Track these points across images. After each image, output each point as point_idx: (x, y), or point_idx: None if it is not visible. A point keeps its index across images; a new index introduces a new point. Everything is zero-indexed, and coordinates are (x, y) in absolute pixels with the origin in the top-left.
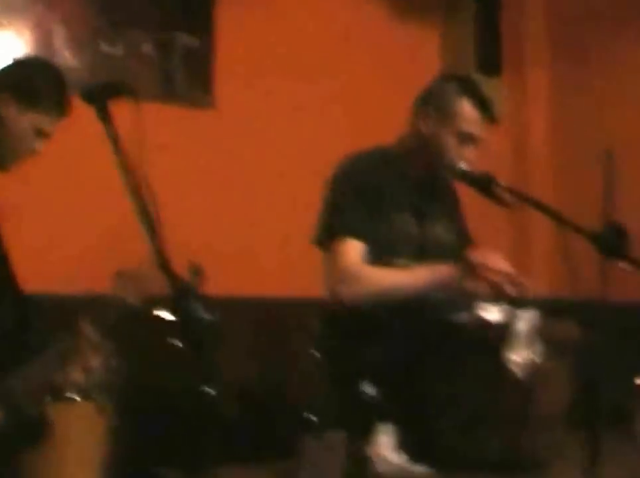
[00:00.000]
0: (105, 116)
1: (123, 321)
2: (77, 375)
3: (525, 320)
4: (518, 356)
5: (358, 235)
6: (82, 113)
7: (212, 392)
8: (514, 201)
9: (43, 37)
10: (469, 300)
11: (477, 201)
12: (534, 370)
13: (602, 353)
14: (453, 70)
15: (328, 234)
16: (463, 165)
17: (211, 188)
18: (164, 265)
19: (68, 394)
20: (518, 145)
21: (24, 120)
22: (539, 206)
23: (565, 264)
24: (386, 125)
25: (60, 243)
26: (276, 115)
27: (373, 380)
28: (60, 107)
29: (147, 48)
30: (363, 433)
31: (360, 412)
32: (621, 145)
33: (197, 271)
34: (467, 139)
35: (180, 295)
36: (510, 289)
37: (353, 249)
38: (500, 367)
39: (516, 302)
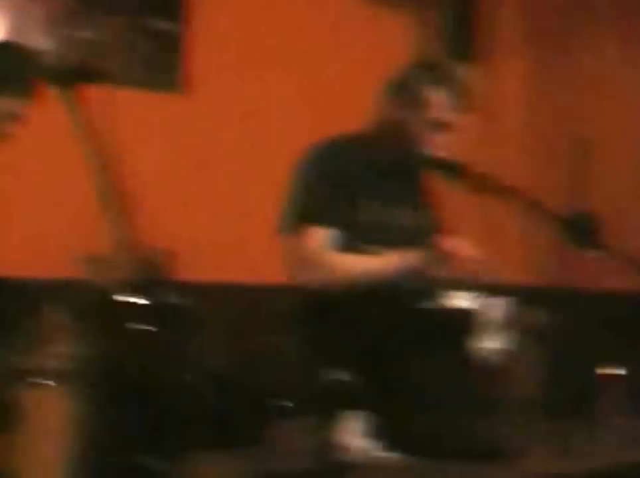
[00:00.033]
0: (70, 100)
1: (94, 306)
2: (46, 360)
3: (496, 308)
4: (490, 343)
5: (323, 222)
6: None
7: (187, 377)
8: (486, 188)
9: (16, 19)
10: (438, 287)
11: (447, 188)
12: (505, 357)
13: (572, 341)
14: (425, 56)
15: (293, 221)
16: (433, 152)
17: (188, 173)
18: (133, 249)
19: (38, 380)
20: (492, 132)
21: None
22: (511, 193)
23: (537, 252)
24: (361, 110)
25: (25, 225)
26: (253, 100)
27: (344, 366)
28: (28, 90)
29: (121, 32)
30: (335, 419)
31: (332, 398)
32: (595, 132)
33: (167, 256)
34: (438, 126)
35: (150, 280)
36: (479, 276)
37: (318, 236)
38: (471, 354)
39: (487, 289)
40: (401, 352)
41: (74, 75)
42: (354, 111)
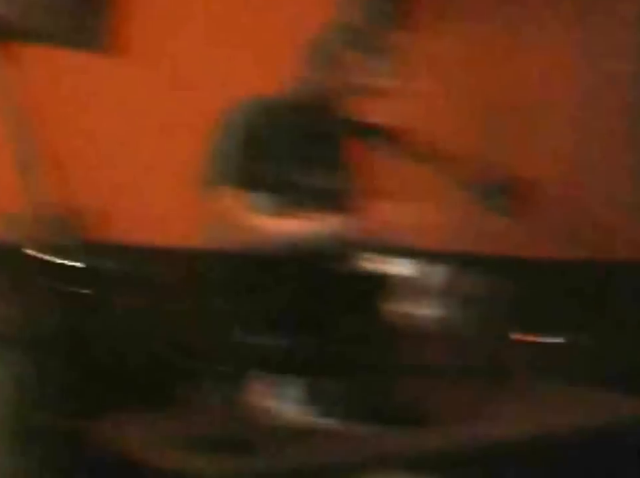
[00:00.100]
0: None
1: (21, 268)
2: None
3: (428, 274)
4: (423, 310)
5: (243, 184)
6: None
7: (110, 338)
8: (412, 154)
9: None
10: (361, 251)
11: (372, 153)
12: (440, 323)
13: (504, 307)
14: (346, 19)
15: (215, 183)
16: (357, 117)
17: (118, 134)
18: (55, 210)
19: None
20: (422, 99)
21: None
22: (438, 158)
23: (460, 218)
24: (284, 73)
25: None
26: (180, 60)
27: (267, 330)
28: None
29: None
30: (257, 382)
31: (254, 362)
32: (524, 101)
33: (93, 217)
34: (357, 90)
35: (73, 241)
36: (402, 241)
37: (238, 198)
38: (399, 319)
39: (417, 254)
40: (327, 317)
41: None
42: (279, 73)
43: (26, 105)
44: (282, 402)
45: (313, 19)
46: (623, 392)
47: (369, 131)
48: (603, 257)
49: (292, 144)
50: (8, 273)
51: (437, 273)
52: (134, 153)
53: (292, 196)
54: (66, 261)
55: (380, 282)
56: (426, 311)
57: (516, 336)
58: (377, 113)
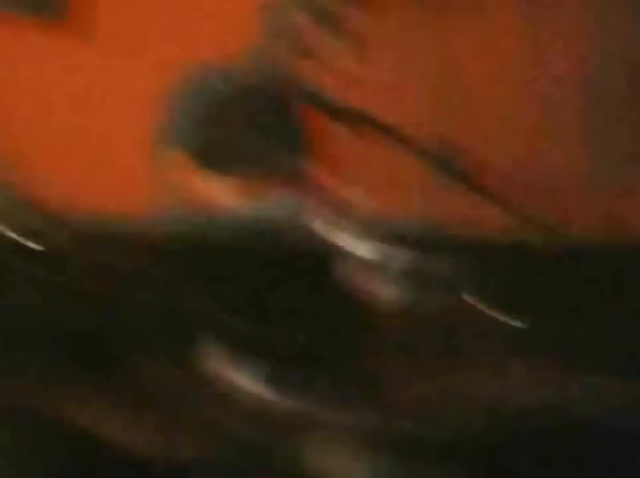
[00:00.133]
0: None
1: None
2: None
3: (388, 252)
4: (384, 290)
5: (196, 153)
6: None
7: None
8: (362, 126)
9: None
10: (316, 226)
11: (325, 124)
12: (401, 302)
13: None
14: None
15: (167, 151)
16: (310, 87)
17: (68, 98)
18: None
19: None
20: (374, 73)
21: None
22: (386, 130)
23: (412, 191)
24: (238, 40)
25: None
26: (139, 23)
27: (224, 307)
28: None
29: None
30: (216, 356)
31: (206, 335)
32: (476, 75)
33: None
34: (312, 58)
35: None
36: (360, 218)
37: (190, 167)
38: (358, 298)
39: (376, 232)
40: (282, 295)
41: None
42: (237, 41)
43: None
44: (241, 378)
45: None
46: (584, 372)
47: (322, 103)
48: (564, 236)
49: (248, 114)
50: None
51: (397, 252)
52: (88, 120)
53: (247, 166)
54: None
55: (337, 259)
56: (387, 289)
57: (477, 314)
58: (336, 89)
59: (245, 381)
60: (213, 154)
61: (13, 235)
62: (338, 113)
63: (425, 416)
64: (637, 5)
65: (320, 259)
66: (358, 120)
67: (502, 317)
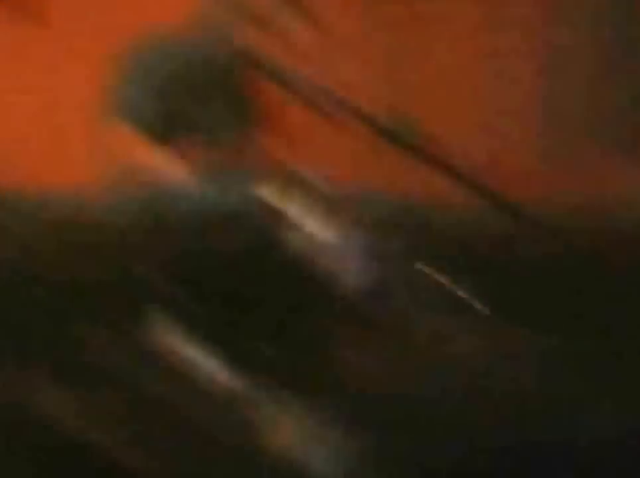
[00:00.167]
0: None
1: None
2: None
3: (343, 226)
4: (338, 264)
5: (142, 124)
6: None
7: None
8: (316, 98)
9: None
10: (267, 198)
11: (270, 91)
12: (355, 279)
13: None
14: None
15: (111, 122)
16: (261, 57)
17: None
18: None
19: None
20: (326, 40)
21: None
22: (337, 101)
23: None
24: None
25: None
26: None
27: (174, 281)
28: None
29: None
30: (167, 331)
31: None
32: (426, 44)
33: None
34: (263, 27)
35: None
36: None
37: (135, 139)
38: (312, 273)
39: (333, 207)
40: (234, 270)
41: None
42: (182, 11)
43: None
44: (193, 354)
45: None
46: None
47: (265, 68)
48: (512, 205)
49: (197, 85)
50: None
51: (351, 224)
52: (32, 92)
53: (195, 138)
54: None
55: (288, 231)
56: (341, 263)
57: (426, 282)
58: (288, 60)
59: (198, 358)
60: (161, 126)
61: None
62: (290, 84)
63: (380, 391)
64: None
65: (271, 232)
66: (310, 91)
67: (458, 289)
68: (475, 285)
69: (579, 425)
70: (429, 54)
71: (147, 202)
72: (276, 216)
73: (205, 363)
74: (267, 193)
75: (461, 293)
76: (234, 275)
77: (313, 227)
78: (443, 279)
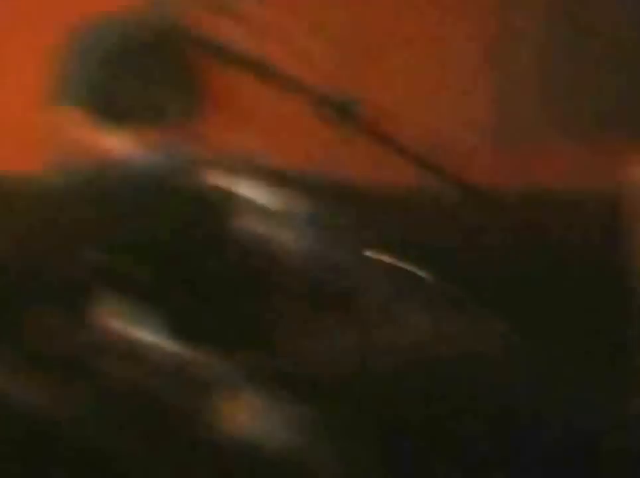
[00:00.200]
0: None
1: None
2: None
3: (279, 196)
4: (274, 233)
5: (87, 104)
6: None
7: None
8: (255, 71)
9: None
10: (209, 171)
11: (218, 70)
12: (290, 246)
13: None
14: None
15: (57, 102)
16: (206, 35)
17: None
18: None
19: None
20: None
21: None
22: (283, 77)
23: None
24: None
25: None
26: None
27: (121, 258)
28: None
29: None
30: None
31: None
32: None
33: None
34: (210, 5)
35: None
36: (253, 163)
37: (80, 119)
38: (250, 242)
39: (267, 177)
40: (175, 240)
41: None
42: None
43: None
44: (133, 325)
45: None
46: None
47: (215, 48)
48: (458, 183)
49: (143, 64)
50: None
51: (289, 195)
52: None
53: (142, 118)
54: None
55: (228, 203)
56: (278, 234)
57: (369, 259)
58: (235, 37)
59: (144, 332)
60: (107, 106)
61: None
62: (236, 61)
63: (319, 360)
64: None
65: (217, 207)
66: (257, 69)
67: (404, 266)
68: (423, 260)
69: (518, 393)
70: (377, 32)
71: (94, 180)
72: (223, 191)
73: (153, 337)
74: (214, 169)
75: (406, 267)
76: (181, 250)
77: (259, 202)
78: (390, 257)
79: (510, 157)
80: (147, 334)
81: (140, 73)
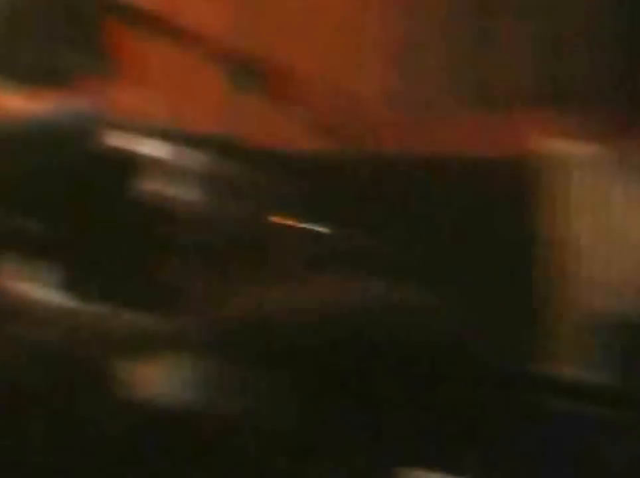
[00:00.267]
0: None
1: None
2: None
3: (183, 156)
4: (178, 192)
5: None
6: None
7: None
8: (163, 32)
9: None
10: (112, 131)
11: (127, 31)
12: (195, 206)
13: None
14: None
15: None
16: None
17: None
18: None
19: None
20: None
21: None
22: (189, 37)
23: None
24: None
25: None
26: None
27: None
28: None
29: None
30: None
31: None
32: None
33: None
34: None
35: None
36: (156, 123)
37: None
38: (152, 202)
39: (171, 137)
40: (79, 200)
41: None
42: None
43: None
44: (36, 285)
45: None
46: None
47: (121, 9)
48: (370, 152)
49: (43, 23)
50: None
51: (193, 156)
52: None
53: (41, 76)
54: None
55: (132, 163)
56: (181, 193)
57: (277, 222)
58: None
59: (40, 289)
60: (9, 65)
61: None
62: (135, 18)
63: (223, 316)
64: None
65: (117, 164)
66: (156, 27)
67: (304, 224)
68: (325, 219)
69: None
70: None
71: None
72: (124, 151)
73: (50, 294)
74: (116, 129)
75: (308, 226)
76: (80, 205)
77: (161, 162)
78: (291, 216)
79: (416, 125)
80: (44, 292)
81: (44, 32)
